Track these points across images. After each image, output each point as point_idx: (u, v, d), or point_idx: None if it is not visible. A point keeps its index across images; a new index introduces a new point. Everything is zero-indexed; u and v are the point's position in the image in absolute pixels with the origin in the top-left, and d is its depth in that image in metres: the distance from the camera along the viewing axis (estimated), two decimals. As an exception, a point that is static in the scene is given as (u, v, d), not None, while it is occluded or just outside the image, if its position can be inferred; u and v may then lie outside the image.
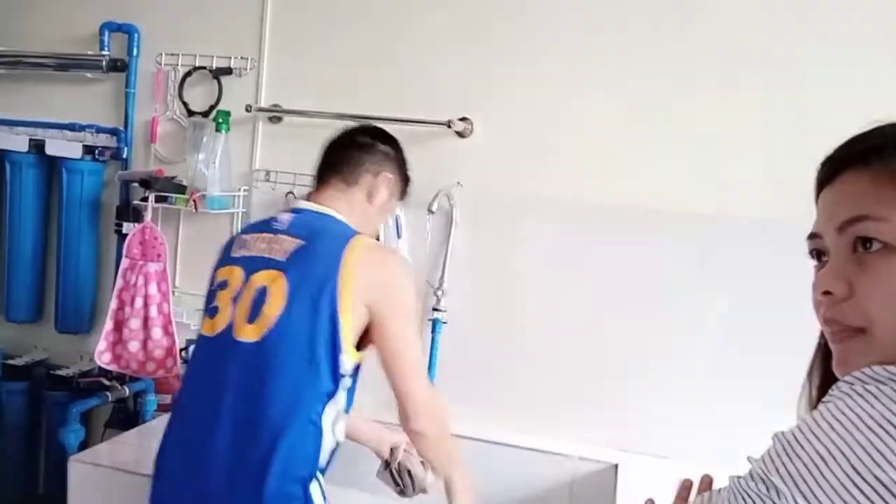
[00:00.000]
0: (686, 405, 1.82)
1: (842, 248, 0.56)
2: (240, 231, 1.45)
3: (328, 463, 1.29)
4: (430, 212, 1.85)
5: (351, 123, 1.96)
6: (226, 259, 1.34)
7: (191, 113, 2.18)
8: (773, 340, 1.77)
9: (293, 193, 2.07)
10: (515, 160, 1.94)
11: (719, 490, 0.56)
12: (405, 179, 1.51)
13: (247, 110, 2.08)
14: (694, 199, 1.81)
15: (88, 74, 2.25)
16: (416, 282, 1.44)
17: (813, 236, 0.60)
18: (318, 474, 1.25)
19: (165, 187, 2.07)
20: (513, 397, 1.95)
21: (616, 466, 1.78)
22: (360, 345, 1.27)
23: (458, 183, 1.95)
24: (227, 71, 2.14)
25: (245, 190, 2.14)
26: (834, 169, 0.58)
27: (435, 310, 1.95)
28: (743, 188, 1.78)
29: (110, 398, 1.88)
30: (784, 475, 0.48)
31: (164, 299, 2.04)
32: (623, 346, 1.87)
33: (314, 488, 1.21)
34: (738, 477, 0.54)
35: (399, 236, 1.98)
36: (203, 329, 1.31)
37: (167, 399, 2.01)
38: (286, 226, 1.31)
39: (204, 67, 2.16)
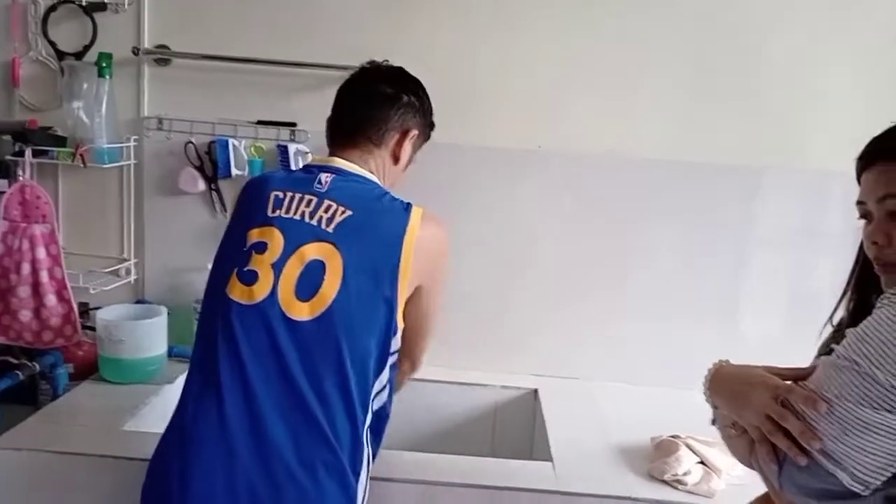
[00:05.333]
0: (592, 328, 2.01)
1: (881, 213, 0.83)
2: (267, 177, 1.29)
3: (376, 444, 1.27)
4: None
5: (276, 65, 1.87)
6: (261, 217, 1.21)
7: (61, 55, 1.95)
8: (668, 263, 1.99)
9: (192, 143, 1.96)
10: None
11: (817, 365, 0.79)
12: (430, 126, 1.43)
13: (134, 53, 1.90)
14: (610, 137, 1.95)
15: (-78, 7, 1.93)
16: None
17: (860, 203, 0.86)
18: (367, 461, 1.20)
19: (43, 140, 1.86)
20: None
21: (535, 391, 1.94)
22: None
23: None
24: (102, 6, 1.92)
25: (135, 140, 1.98)
26: (871, 159, 0.85)
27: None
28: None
29: (21, 376, 1.71)
30: (861, 355, 0.72)
31: (56, 263, 1.87)
32: (539, 280, 2.00)
33: (360, 480, 1.17)
34: (829, 357, 0.77)
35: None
36: (232, 293, 1.17)
37: (77, 368, 1.87)
38: (326, 188, 1.23)
39: (72, 1, 1.91)
